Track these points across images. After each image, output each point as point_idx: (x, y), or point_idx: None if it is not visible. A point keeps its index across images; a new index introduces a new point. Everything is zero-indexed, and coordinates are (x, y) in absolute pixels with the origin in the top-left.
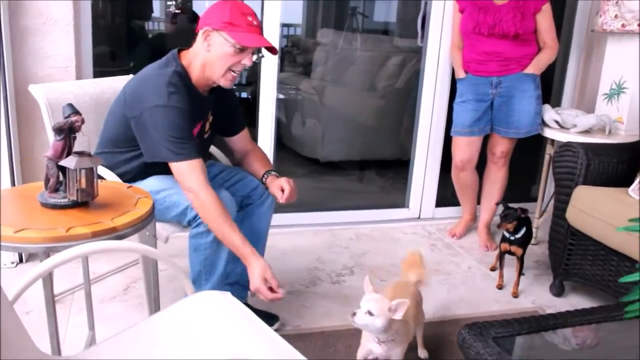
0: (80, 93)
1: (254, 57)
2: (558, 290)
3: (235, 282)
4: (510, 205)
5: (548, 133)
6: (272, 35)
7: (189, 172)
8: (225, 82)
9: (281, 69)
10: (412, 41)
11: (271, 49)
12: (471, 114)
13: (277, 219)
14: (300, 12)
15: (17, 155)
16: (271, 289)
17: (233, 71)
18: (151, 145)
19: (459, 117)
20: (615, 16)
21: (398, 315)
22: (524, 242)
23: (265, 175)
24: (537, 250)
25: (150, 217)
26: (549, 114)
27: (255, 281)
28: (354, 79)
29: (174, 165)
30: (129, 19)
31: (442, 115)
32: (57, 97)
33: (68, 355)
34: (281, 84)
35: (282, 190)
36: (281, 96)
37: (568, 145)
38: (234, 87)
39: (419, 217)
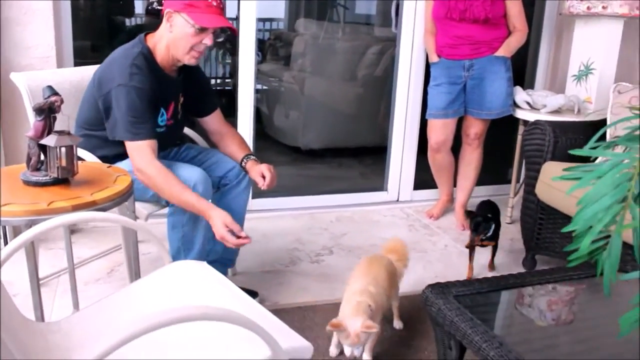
0: (61, 80)
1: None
2: (530, 264)
3: (215, 261)
4: (486, 200)
5: (519, 114)
6: (249, 29)
7: (139, 151)
8: (189, 60)
9: (263, 60)
10: (390, 30)
11: (231, 29)
12: (445, 96)
13: (258, 203)
14: (282, 6)
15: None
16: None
17: (196, 50)
18: (112, 123)
19: (434, 100)
20: None
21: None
22: (495, 235)
23: (244, 160)
24: (512, 229)
25: (128, 193)
26: (520, 95)
27: (219, 229)
28: (333, 69)
29: (127, 145)
30: (111, 15)
31: (417, 100)
32: (38, 84)
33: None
34: (264, 75)
35: (263, 177)
36: (260, 87)
37: (536, 123)
38: (224, 78)
39: (397, 200)
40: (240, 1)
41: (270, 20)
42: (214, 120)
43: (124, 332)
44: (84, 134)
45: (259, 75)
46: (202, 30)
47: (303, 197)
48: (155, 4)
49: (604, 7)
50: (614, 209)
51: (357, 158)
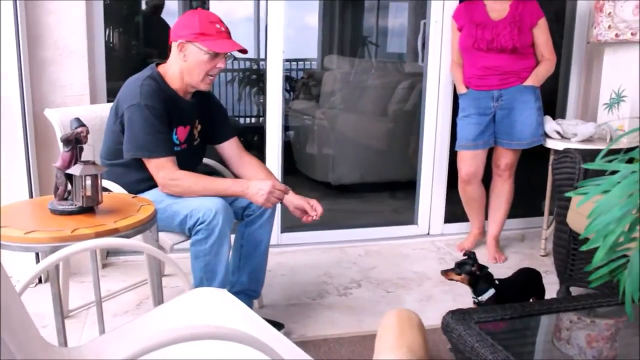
0: (92, 116)
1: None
2: (565, 296)
3: (241, 292)
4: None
5: (550, 144)
6: (276, 67)
7: (160, 168)
8: (204, 86)
9: (296, 98)
10: (419, 65)
11: (242, 50)
12: (474, 127)
13: (287, 237)
14: (315, 47)
15: (35, 175)
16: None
17: (210, 75)
18: (129, 142)
19: (463, 132)
20: (609, 27)
21: None
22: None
23: None
24: (546, 261)
25: (151, 221)
26: (550, 124)
27: (266, 182)
28: (363, 104)
29: (148, 163)
30: (147, 58)
31: (446, 132)
32: (70, 119)
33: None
34: (296, 113)
35: (303, 210)
36: (293, 124)
37: (566, 152)
38: (258, 116)
39: (428, 234)
40: (268, 41)
41: (304, 60)
42: (232, 147)
43: (128, 350)
44: (105, 164)
45: (292, 113)
46: (216, 55)
47: (332, 231)
48: None
49: (632, 34)
50: (626, 219)
51: (388, 193)
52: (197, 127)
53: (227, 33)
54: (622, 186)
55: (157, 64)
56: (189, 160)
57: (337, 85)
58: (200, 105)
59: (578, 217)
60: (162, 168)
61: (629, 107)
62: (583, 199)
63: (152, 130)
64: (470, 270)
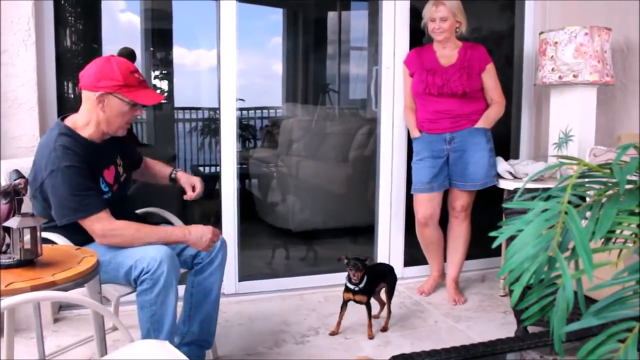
0: None
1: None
2: (511, 337)
3: (192, 342)
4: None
5: (503, 184)
6: (229, 115)
7: (96, 222)
8: (121, 133)
9: (258, 146)
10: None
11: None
12: (429, 170)
13: (246, 286)
14: (279, 96)
15: None
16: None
17: (127, 123)
18: (59, 209)
19: (418, 175)
20: (552, 69)
21: None
22: (367, 290)
23: (174, 171)
24: (505, 301)
25: (92, 274)
26: (502, 165)
27: (203, 239)
28: (323, 151)
29: (83, 223)
30: None
31: (401, 176)
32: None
33: None
34: (259, 161)
35: (193, 189)
36: (254, 171)
37: (516, 191)
38: (216, 165)
39: None
40: (221, 90)
41: (268, 108)
42: (142, 165)
43: None
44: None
45: (254, 161)
46: (136, 105)
47: (292, 278)
48: None
49: (574, 76)
50: (540, 257)
51: (349, 238)
52: (120, 164)
53: (145, 81)
54: (534, 224)
55: (63, 117)
56: (124, 199)
57: (298, 133)
58: (115, 141)
59: None
60: (97, 221)
61: (577, 145)
62: (497, 239)
63: (79, 191)
64: (365, 265)
